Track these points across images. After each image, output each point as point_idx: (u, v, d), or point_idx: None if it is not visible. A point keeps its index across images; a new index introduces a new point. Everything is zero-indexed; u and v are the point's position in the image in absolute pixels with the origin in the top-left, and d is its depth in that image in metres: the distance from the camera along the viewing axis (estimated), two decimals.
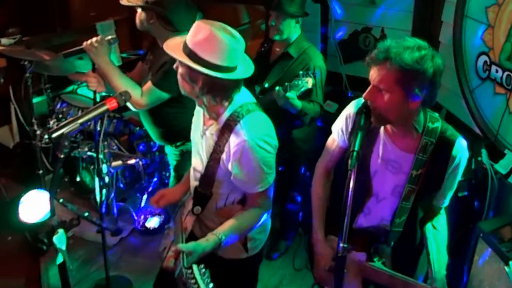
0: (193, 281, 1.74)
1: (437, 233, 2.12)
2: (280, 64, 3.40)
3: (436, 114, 2.03)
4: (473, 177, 2.91)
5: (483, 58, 3.00)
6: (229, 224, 2.04)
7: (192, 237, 2.21)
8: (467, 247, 2.77)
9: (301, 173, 3.71)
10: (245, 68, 2.02)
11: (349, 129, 2.12)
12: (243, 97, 2.09)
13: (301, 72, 3.07)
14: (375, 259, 2.10)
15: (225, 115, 2.03)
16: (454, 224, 2.95)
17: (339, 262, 1.85)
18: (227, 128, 2.00)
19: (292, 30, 3.32)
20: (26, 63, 3.65)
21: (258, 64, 3.59)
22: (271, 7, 3.30)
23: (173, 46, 1.98)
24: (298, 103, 3.12)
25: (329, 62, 4.08)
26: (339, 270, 1.87)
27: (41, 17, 4.91)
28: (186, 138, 2.90)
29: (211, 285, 1.76)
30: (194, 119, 2.30)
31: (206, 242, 1.95)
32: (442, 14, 3.44)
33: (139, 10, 2.76)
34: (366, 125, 1.88)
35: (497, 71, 2.88)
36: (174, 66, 2.04)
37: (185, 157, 3.02)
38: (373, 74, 1.85)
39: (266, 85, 3.38)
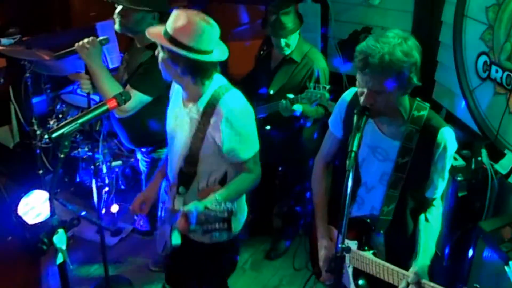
0: (211, 212, 1.98)
1: (428, 226, 2.09)
2: (283, 69, 3.37)
3: (427, 104, 2.03)
4: (473, 177, 2.91)
5: (483, 58, 3.00)
6: (225, 187, 2.25)
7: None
8: (467, 247, 2.77)
9: (307, 173, 3.70)
10: (220, 51, 2.20)
11: (343, 117, 2.16)
12: (219, 80, 2.28)
13: (311, 84, 3.06)
14: (365, 248, 2.09)
15: (206, 96, 2.22)
16: (454, 224, 2.96)
17: (338, 262, 1.85)
18: (210, 107, 2.19)
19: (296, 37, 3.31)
20: (26, 63, 3.66)
21: (260, 69, 3.62)
22: (274, 34, 3.24)
23: (155, 33, 2.17)
24: (299, 107, 3.13)
25: (329, 62, 4.08)
26: (338, 270, 1.87)
27: (41, 17, 4.91)
28: (158, 144, 2.92)
29: (229, 204, 1.98)
30: (170, 108, 2.42)
31: (204, 200, 2.10)
32: (442, 14, 3.44)
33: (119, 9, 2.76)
34: (364, 126, 1.88)
35: (497, 71, 2.88)
36: (156, 52, 2.20)
37: (155, 166, 2.90)
38: (368, 80, 1.83)
39: (272, 92, 3.37)
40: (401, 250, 2.15)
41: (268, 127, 3.42)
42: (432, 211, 2.12)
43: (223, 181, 2.31)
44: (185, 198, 2.31)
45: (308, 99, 3.04)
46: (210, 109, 2.19)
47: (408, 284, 1.87)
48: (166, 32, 2.11)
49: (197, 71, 2.15)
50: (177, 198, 2.32)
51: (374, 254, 2.09)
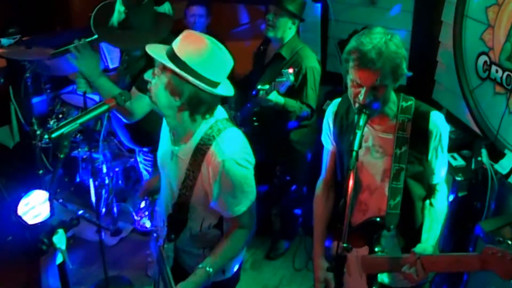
0: None
1: (433, 210, 2.10)
2: (273, 66, 3.38)
3: (413, 98, 2.05)
4: (473, 177, 2.91)
5: (483, 58, 3.00)
6: (216, 253, 1.97)
7: (176, 265, 2.10)
8: (467, 247, 2.77)
9: (301, 174, 3.71)
10: (226, 86, 1.94)
11: (332, 129, 2.18)
12: (216, 114, 1.99)
13: (284, 70, 3.03)
14: (376, 249, 2.07)
15: (195, 138, 1.92)
16: (454, 224, 2.96)
17: (338, 262, 1.85)
18: (199, 153, 1.90)
19: (287, 30, 3.30)
20: (26, 63, 3.66)
21: (255, 66, 3.63)
22: (271, 2, 3.29)
23: (157, 52, 1.85)
24: (281, 100, 3.13)
25: (329, 62, 4.08)
26: (339, 270, 1.87)
27: (41, 17, 4.91)
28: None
29: None
30: (161, 139, 2.19)
31: (195, 277, 1.90)
32: (442, 14, 3.44)
33: None
34: (365, 124, 1.88)
35: (497, 71, 2.88)
36: (152, 74, 1.89)
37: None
38: (366, 77, 1.84)
39: (259, 87, 3.37)
40: (411, 245, 2.09)
41: (256, 124, 3.43)
42: (436, 195, 2.13)
43: (219, 225, 2.05)
44: (175, 243, 2.06)
45: (279, 82, 3.01)
46: (199, 157, 1.89)
47: (410, 266, 1.87)
48: (173, 53, 1.80)
49: (199, 106, 1.86)
50: (167, 244, 2.05)
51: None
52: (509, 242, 1.68)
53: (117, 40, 2.65)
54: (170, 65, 1.79)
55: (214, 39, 1.87)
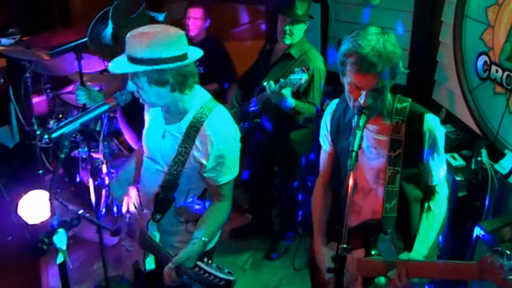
0: (206, 275, 1.88)
1: (430, 215, 2.07)
2: (280, 64, 3.40)
3: (409, 99, 2.03)
4: (473, 177, 2.91)
5: (483, 58, 3.00)
6: (206, 224, 2.12)
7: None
8: (467, 247, 2.78)
9: (299, 175, 3.71)
10: (193, 50, 2.04)
11: (329, 130, 2.17)
12: (202, 95, 2.13)
13: (296, 69, 3.06)
14: (372, 252, 2.05)
15: (188, 117, 2.07)
16: (454, 224, 2.95)
17: (339, 263, 1.85)
18: (192, 129, 2.06)
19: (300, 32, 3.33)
20: (26, 63, 3.66)
21: (260, 64, 3.64)
22: (281, 11, 3.27)
23: (120, 66, 1.94)
24: (292, 101, 3.13)
25: (329, 62, 4.08)
26: (339, 271, 1.87)
27: (41, 17, 4.91)
28: None
29: (225, 270, 1.89)
30: (147, 122, 2.29)
31: (193, 246, 2.01)
32: (442, 14, 3.44)
33: None
34: (365, 125, 1.88)
35: (497, 71, 2.88)
36: (130, 87, 1.99)
37: None
38: (366, 79, 1.82)
39: (265, 84, 3.37)
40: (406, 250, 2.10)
41: (258, 120, 3.43)
42: (435, 198, 2.10)
43: (203, 196, 2.22)
44: (160, 222, 2.20)
45: (291, 82, 3.02)
46: (193, 130, 2.05)
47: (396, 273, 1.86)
48: (132, 58, 1.89)
49: (186, 80, 1.98)
50: (151, 222, 2.19)
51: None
52: (508, 252, 1.66)
53: (109, 55, 2.65)
54: (137, 68, 1.89)
55: (154, 25, 1.95)
